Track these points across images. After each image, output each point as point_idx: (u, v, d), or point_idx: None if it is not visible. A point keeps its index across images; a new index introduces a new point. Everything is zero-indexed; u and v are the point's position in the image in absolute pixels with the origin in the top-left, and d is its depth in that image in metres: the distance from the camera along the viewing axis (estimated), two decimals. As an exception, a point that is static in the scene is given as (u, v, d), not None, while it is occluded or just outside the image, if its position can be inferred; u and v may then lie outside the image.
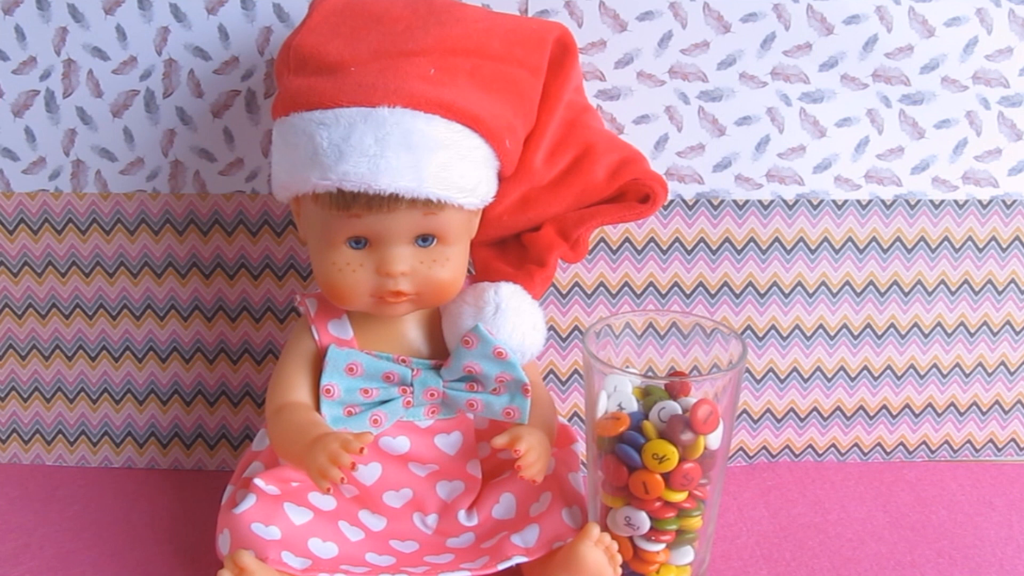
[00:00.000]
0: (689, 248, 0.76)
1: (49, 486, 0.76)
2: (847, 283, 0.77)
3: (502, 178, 0.64)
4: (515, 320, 0.63)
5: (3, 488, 0.76)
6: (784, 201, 0.75)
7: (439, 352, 0.65)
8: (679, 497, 0.59)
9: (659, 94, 0.73)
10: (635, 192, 0.65)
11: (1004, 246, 0.77)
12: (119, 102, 0.73)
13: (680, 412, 0.58)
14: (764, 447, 0.80)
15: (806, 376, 0.79)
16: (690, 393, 0.59)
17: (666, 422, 0.58)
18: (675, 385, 0.59)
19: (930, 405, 0.80)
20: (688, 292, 0.77)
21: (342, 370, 0.62)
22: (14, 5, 0.71)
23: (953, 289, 0.78)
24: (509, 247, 0.68)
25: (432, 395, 0.63)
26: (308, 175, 0.57)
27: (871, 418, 0.80)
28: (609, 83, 0.73)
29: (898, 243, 0.77)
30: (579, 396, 0.79)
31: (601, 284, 0.76)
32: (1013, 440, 0.81)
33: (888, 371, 0.79)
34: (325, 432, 0.58)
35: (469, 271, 0.68)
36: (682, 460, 0.58)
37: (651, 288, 0.77)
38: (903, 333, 0.78)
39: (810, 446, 0.80)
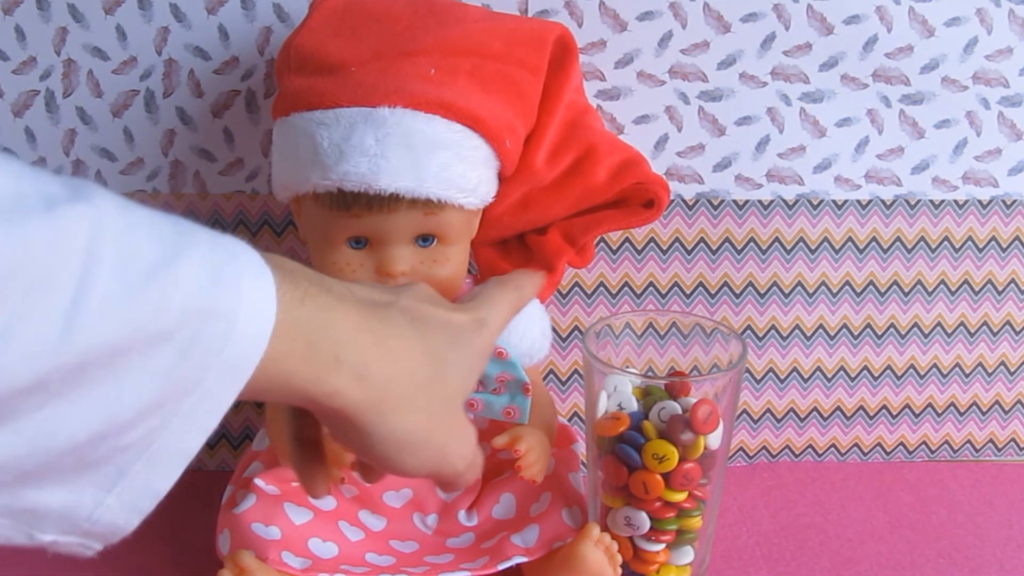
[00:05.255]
0: (689, 248, 0.76)
1: (49, 486, 0.76)
2: (847, 283, 0.77)
3: (502, 178, 0.64)
4: (526, 325, 0.63)
5: (3, 488, 0.76)
6: (784, 201, 0.75)
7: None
8: (679, 497, 0.59)
9: (659, 94, 0.73)
10: (638, 196, 0.65)
11: (1004, 246, 0.77)
12: (119, 102, 0.73)
13: (680, 412, 0.58)
14: (764, 447, 0.80)
15: (806, 376, 0.79)
16: (690, 393, 0.59)
17: (666, 422, 0.58)
18: (675, 385, 0.59)
19: (930, 405, 0.80)
20: (688, 292, 0.77)
21: (342, 370, 0.62)
22: (14, 5, 0.71)
23: (953, 289, 0.78)
24: (512, 248, 0.68)
25: (432, 395, 0.63)
26: (308, 175, 0.57)
27: (871, 418, 0.80)
28: (609, 83, 0.73)
29: (898, 243, 0.77)
30: (579, 396, 0.79)
31: (601, 284, 0.76)
32: (1013, 440, 0.81)
33: (888, 371, 0.79)
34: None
35: (470, 271, 0.68)
36: (682, 460, 0.58)
37: (651, 288, 0.77)
38: (903, 333, 0.78)
39: (810, 446, 0.80)
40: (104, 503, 0.35)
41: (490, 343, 0.47)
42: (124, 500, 0.36)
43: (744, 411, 0.79)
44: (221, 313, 0.34)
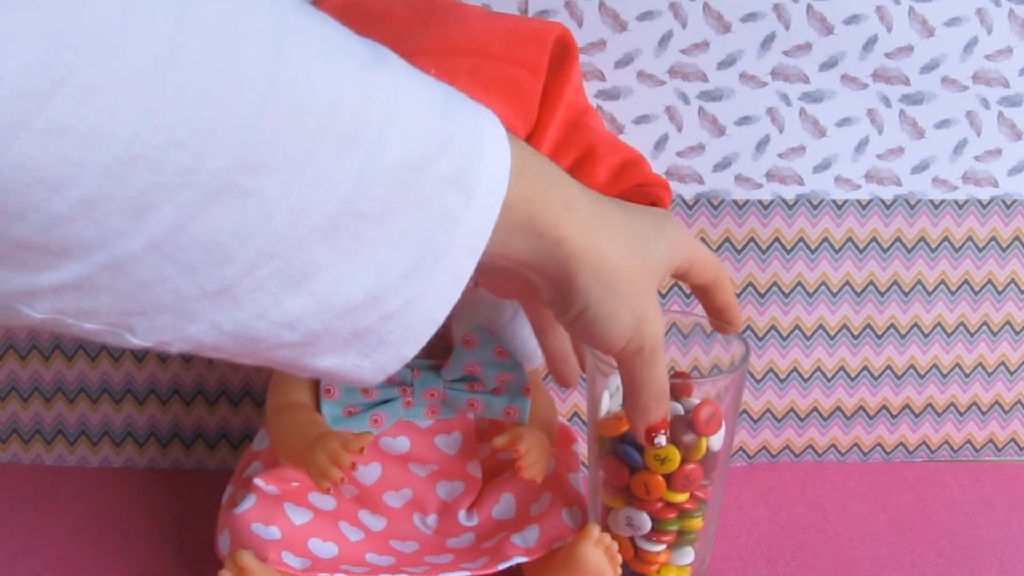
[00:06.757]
0: (689, 248, 0.76)
1: (49, 486, 0.76)
2: (847, 283, 0.77)
3: (502, 178, 0.64)
4: (528, 328, 0.63)
5: (3, 488, 0.76)
6: (784, 201, 0.75)
7: (439, 352, 0.65)
8: (680, 498, 0.59)
9: (659, 94, 0.73)
10: (639, 196, 0.65)
11: (1004, 246, 0.77)
12: (119, 102, 0.73)
13: (682, 413, 0.58)
14: (764, 447, 0.80)
15: (806, 376, 0.79)
16: (692, 394, 0.59)
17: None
18: (677, 386, 0.59)
19: (930, 405, 0.80)
20: (688, 292, 0.77)
21: (342, 370, 0.62)
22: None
23: (953, 289, 0.78)
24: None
25: (432, 395, 0.63)
26: (309, 175, 0.57)
27: (871, 418, 0.80)
28: (609, 83, 0.73)
29: (898, 243, 0.77)
30: (580, 396, 0.79)
31: (601, 284, 0.76)
32: (1013, 440, 0.82)
33: (888, 371, 0.79)
34: (325, 432, 0.58)
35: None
36: (684, 461, 0.58)
37: (651, 288, 0.76)
38: (903, 333, 0.78)
39: (810, 446, 0.80)
40: (361, 365, 0.41)
41: (688, 236, 0.53)
42: (376, 363, 0.41)
43: (744, 411, 0.79)
44: (464, 185, 0.38)
